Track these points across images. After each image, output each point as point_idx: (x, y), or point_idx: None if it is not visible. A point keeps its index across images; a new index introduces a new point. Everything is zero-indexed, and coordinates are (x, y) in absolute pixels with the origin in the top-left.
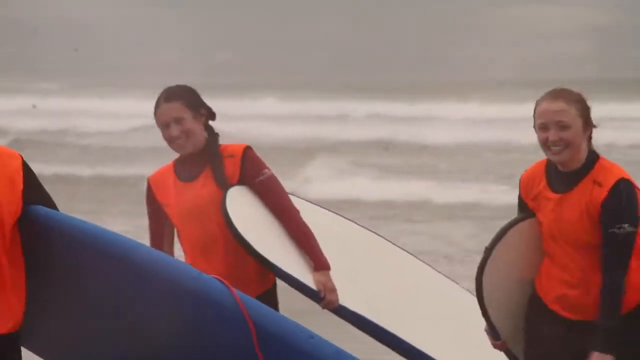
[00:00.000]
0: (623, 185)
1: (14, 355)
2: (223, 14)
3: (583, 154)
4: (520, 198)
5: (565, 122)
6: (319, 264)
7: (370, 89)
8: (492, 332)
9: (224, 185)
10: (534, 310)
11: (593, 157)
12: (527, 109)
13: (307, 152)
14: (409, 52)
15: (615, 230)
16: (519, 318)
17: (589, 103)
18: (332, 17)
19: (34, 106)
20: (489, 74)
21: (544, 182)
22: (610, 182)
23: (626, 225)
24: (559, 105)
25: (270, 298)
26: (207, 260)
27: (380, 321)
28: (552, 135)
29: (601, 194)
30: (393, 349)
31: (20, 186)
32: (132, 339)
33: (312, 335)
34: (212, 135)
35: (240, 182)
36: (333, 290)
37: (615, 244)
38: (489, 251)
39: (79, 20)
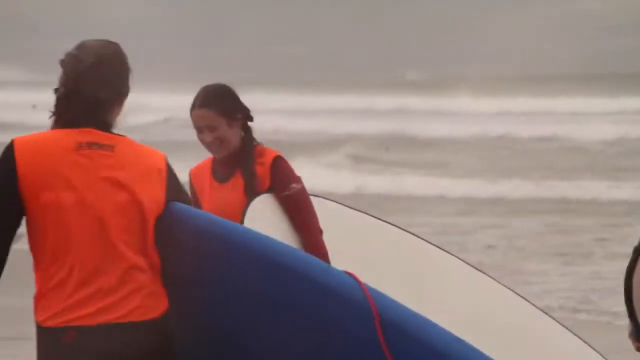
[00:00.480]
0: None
1: (170, 335)
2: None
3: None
4: None
5: None
6: None
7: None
8: (637, 334)
9: (251, 193)
10: None
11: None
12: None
13: None
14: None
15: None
16: None
17: None
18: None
19: (33, 106)
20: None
21: None
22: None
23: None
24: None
25: None
26: None
27: None
28: None
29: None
30: None
31: (164, 184)
32: (259, 331)
33: (434, 326)
34: (249, 136)
35: (269, 190)
36: None
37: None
38: (638, 252)
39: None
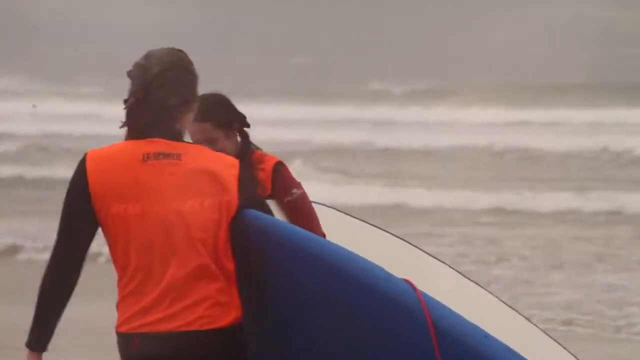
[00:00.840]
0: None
1: (243, 345)
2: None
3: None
4: None
5: None
6: None
7: None
8: None
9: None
10: None
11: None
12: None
13: None
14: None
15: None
16: None
17: None
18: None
19: (34, 106)
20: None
21: None
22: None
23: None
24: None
25: None
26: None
27: None
28: None
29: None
30: None
31: (235, 190)
32: (321, 336)
33: (486, 335)
34: (246, 143)
35: (271, 196)
36: None
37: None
38: None
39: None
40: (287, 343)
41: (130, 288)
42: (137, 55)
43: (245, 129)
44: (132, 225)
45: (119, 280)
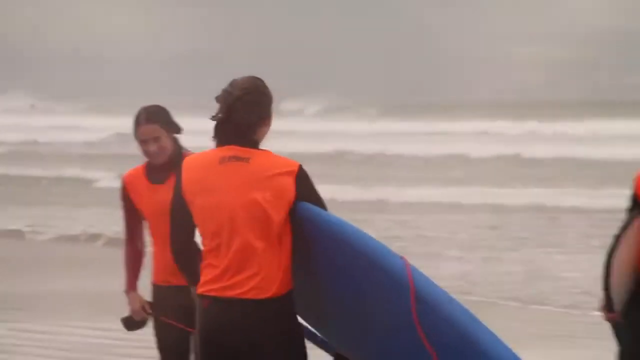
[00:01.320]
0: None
1: (289, 313)
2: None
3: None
4: (634, 196)
5: None
6: None
7: None
8: (609, 305)
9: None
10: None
11: None
12: None
13: None
14: None
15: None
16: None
17: None
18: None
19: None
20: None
21: None
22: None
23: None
24: None
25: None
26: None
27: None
28: None
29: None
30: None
31: (292, 186)
32: (333, 296)
33: (450, 300)
34: (178, 146)
35: None
36: None
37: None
38: (617, 239)
39: None
40: (320, 309)
41: (207, 261)
42: None
43: (177, 134)
44: (208, 213)
45: (204, 254)
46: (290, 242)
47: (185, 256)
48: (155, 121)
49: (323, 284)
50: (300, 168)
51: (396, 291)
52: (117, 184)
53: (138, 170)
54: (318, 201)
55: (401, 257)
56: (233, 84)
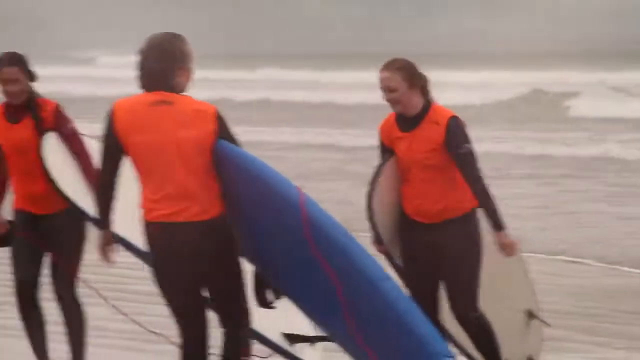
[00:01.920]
0: (453, 120)
1: (228, 231)
2: None
3: (416, 103)
4: (381, 143)
5: (392, 87)
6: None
7: None
8: (378, 239)
9: (41, 131)
10: (403, 223)
11: (426, 106)
12: None
13: None
14: None
15: (461, 150)
16: (395, 230)
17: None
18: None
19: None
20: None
21: (395, 128)
22: (444, 120)
23: (466, 145)
24: (384, 74)
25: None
26: (30, 182)
27: (134, 241)
28: (385, 96)
29: (440, 129)
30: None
31: (213, 126)
32: (249, 221)
33: (345, 234)
34: (33, 91)
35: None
36: None
37: (464, 161)
38: (372, 184)
39: None
40: (241, 230)
41: (145, 193)
42: None
43: (32, 82)
44: (143, 150)
45: (143, 189)
46: (214, 172)
47: (106, 191)
48: (16, 64)
49: (236, 207)
50: (217, 110)
51: (290, 211)
52: None
53: None
54: (234, 140)
55: (296, 187)
56: (147, 40)
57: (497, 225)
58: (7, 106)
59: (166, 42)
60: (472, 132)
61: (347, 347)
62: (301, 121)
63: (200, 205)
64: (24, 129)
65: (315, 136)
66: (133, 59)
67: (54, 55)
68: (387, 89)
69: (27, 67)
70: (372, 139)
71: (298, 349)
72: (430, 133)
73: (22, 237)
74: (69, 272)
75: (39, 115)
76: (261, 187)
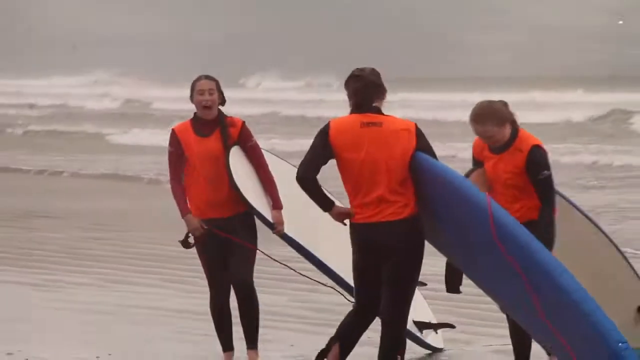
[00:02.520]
0: (535, 149)
1: (420, 229)
2: None
3: (507, 134)
4: (473, 156)
5: (487, 136)
6: (277, 204)
7: None
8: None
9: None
10: None
11: (514, 134)
12: None
13: None
14: None
15: (539, 177)
16: None
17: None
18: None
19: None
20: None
21: (486, 148)
22: (527, 148)
23: (545, 172)
24: (477, 128)
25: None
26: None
27: (305, 243)
28: (484, 140)
29: (522, 156)
30: (308, 259)
31: (414, 142)
32: (445, 230)
33: (533, 237)
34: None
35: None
36: (282, 223)
37: (542, 186)
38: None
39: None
40: (434, 230)
41: (354, 201)
42: None
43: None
44: (356, 165)
45: (350, 196)
46: (412, 180)
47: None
48: (214, 80)
49: (432, 211)
50: (417, 126)
51: (477, 215)
52: None
53: (186, 124)
54: (430, 151)
55: (484, 193)
56: (362, 70)
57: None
58: (195, 121)
59: (373, 75)
60: None
61: (536, 330)
62: None
63: (396, 207)
64: (213, 142)
65: None
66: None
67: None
68: (483, 137)
69: (220, 87)
70: None
71: (425, 334)
72: (514, 158)
73: (213, 235)
74: (252, 262)
75: (228, 131)
76: (453, 191)
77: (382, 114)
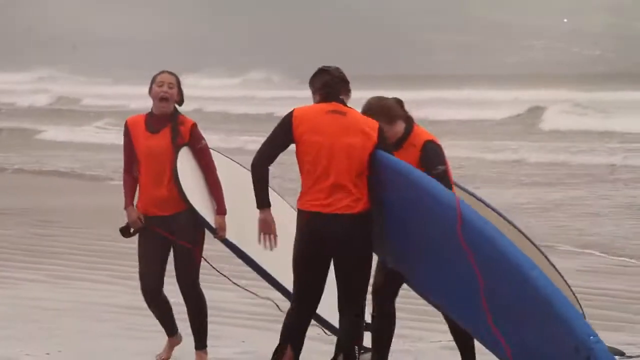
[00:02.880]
0: (428, 143)
1: (370, 226)
2: None
3: (399, 131)
4: None
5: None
6: (221, 209)
7: None
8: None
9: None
10: None
11: (408, 130)
12: None
13: None
14: None
15: (434, 171)
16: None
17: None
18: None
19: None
20: None
21: None
22: (420, 143)
23: (439, 167)
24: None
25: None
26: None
27: (246, 249)
28: None
29: (416, 151)
30: (249, 266)
31: (375, 138)
32: (398, 223)
33: (506, 239)
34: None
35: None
36: (224, 229)
37: (437, 180)
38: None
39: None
40: (385, 230)
41: (309, 185)
42: None
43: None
44: (317, 149)
45: (305, 180)
46: (366, 176)
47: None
48: (174, 75)
49: (385, 210)
50: (380, 126)
51: (444, 212)
52: None
53: (139, 117)
54: (390, 152)
55: (452, 192)
56: (328, 67)
57: None
58: (149, 116)
59: (339, 72)
60: None
61: (481, 335)
62: None
63: (350, 200)
64: (161, 139)
65: None
66: None
67: None
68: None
69: (180, 85)
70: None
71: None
72: (408, 154)
73: (152, 230)
74: (193, 261)
75: (178, 129)
76: (417, 191)
77: (347, 106)
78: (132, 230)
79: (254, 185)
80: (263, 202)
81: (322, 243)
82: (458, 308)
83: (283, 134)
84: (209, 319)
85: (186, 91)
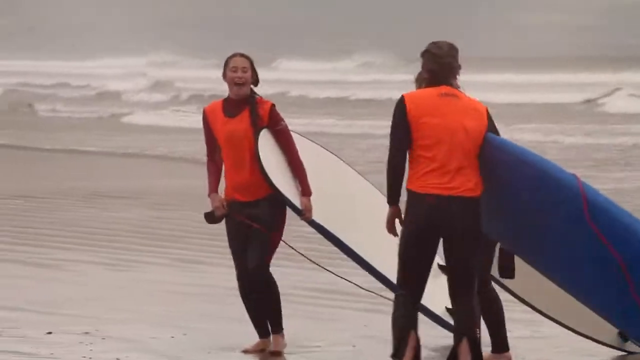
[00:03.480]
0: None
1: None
2: None
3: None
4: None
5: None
6: (306, 190)
7: None
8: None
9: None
10: None
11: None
12: None
13: None
14: None
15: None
16: None
17: None
18: None
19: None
20: None
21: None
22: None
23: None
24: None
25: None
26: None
27: (333, 230)
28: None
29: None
30: (337, 246)
31: (485, 121)
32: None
33: (630, 214)
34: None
35: (267, 126)
36: (310, 210)
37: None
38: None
39: None
40: (497, 212)
41: (428, 168)
42: None
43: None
44: (434, 130)
45: (422, 163)
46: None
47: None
48: (248, 58)
49: (494, 191)
50: (487, 108)
51: (568, 198)
52: None
53: (217, 103)
54: (497, 132)
55: (572, 174)
56: (440, 44)
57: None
58: (226, 101)
59: (454, 50)
60: None
61: (616, 311)
62: None
63: (472, 183)
64: (240, 123)
65: None
66: None
67: None
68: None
69: (254, 66)
70: None
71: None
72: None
73: (234, 217)
74: (266, 247)
75: (257, 112)
76: (535, 172)
77: (457, 90)
78: (216, 216)
79: (388, 181)
80: (394, 197)
81: (438, 225)
82: (589, 287)
83: (400, 121)
84: (331, 302)
85: (281, 75)
